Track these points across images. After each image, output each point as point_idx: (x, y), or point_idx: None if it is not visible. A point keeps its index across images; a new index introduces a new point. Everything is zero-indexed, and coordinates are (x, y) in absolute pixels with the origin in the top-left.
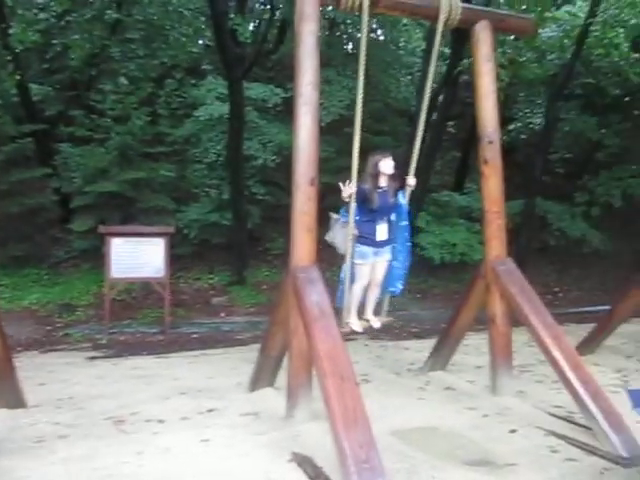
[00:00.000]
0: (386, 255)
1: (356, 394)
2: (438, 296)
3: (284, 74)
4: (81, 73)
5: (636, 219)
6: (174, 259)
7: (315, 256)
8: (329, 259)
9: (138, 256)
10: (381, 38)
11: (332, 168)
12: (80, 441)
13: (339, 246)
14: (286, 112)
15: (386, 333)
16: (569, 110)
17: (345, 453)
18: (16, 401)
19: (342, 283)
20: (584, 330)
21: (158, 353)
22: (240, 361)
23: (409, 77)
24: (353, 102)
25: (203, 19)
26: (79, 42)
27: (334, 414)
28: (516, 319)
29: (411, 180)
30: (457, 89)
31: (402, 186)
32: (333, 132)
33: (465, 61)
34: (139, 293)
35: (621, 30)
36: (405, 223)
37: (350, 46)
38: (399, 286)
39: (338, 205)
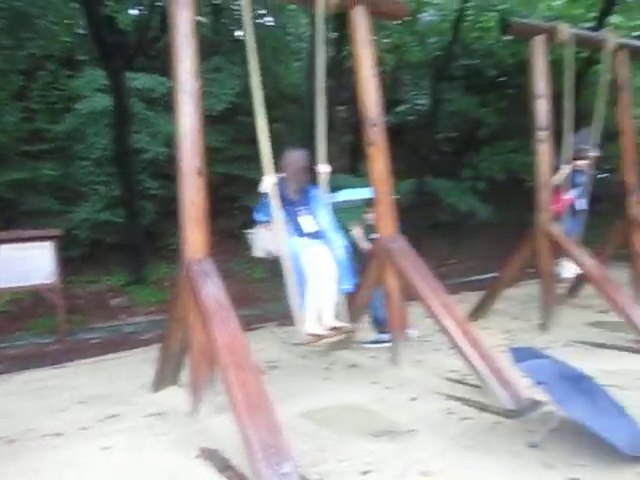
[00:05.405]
0: (324, 245)
1: (258, 381)
2: None
3: (170, 63)
4: None
5: (517, 191)
6: (66, 262)
7: (208, 248)
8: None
9: (24, 263)
10: (271, 24)
11: (227, 158)
12: None
13: (273, 248)
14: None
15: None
16: (452, 91)
17: (251, 440)
18: None
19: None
20: (477, 297)
21: (54, 363)
22: (143, 362)
23: (298, 63)
24: (244, 90)
25: (77, 6)
26: None
27: (237, 403)
28: (410, 293)
29: (323, 168)
30: (343, 74)
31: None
32: (226, 121)
33: (349, 46)
34: (28, 302)
35: (492, 14)
36: (328, 213)
37: (239, 33)
38: (350, 282)
39: (236, 195)
